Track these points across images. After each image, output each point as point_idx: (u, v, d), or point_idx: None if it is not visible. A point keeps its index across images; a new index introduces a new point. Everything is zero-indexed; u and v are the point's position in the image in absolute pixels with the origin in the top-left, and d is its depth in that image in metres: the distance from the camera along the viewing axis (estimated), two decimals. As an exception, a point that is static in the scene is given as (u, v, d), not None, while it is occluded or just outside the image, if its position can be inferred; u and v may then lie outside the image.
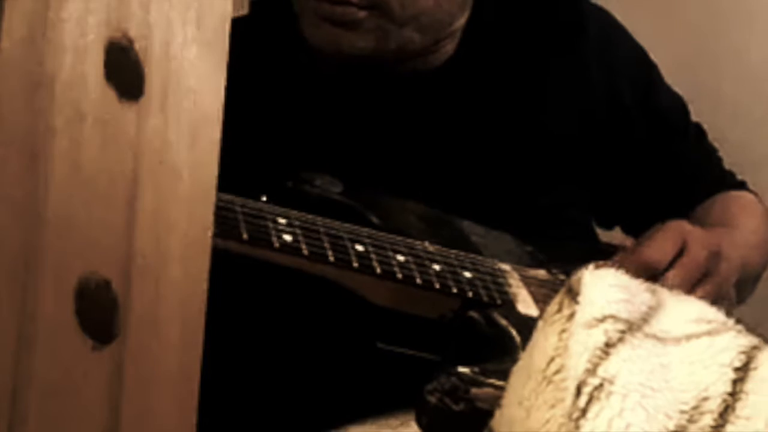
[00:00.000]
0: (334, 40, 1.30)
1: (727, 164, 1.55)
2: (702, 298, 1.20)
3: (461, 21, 1.38)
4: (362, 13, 1.28)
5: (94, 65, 0.66)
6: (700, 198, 1.47)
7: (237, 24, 1.42)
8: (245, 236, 1.12)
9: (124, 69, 0.67)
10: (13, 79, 0.62)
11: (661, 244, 1.27)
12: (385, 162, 1.34)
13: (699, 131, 1.53)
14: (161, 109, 0.69)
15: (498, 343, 1.17)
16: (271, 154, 1.32)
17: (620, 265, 0.87)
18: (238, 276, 1.24)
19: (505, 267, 1.29)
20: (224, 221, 1.11)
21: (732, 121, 1.97)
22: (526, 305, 1.25)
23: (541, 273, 1.32)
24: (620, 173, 1.47)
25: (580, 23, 1.43)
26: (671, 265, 1.26)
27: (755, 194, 1.52)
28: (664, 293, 0.87)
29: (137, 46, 0.68)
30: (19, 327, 0.62)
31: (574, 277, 0.85)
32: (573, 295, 0.83)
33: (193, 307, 0.72)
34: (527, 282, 1.29)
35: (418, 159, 1.36)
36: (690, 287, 1.25)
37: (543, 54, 1.41)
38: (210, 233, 0.72)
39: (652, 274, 1.22)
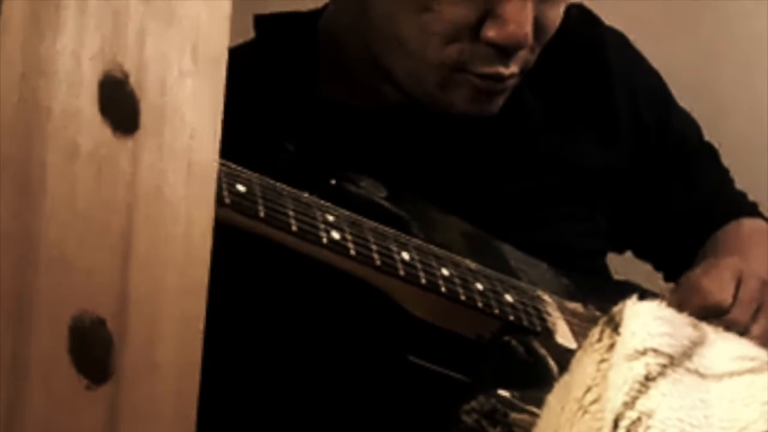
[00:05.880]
0: (486, 107, 1.29)
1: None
2: (760, 334, 1.20)
3: None
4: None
5: (88, 99, 0.65)
6: (715, 220, 1.47)
7: (243, 49, 1.40)
8: (294, 228, 1.10)
9: (119, 103, 0.67)
10: (6, 113, 0.62)
11: (725, 285, 1.27)
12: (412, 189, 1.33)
13: (712, 152, 1.53)
14: (157, 143, 0.68)
15: (534, 372, 1.16)
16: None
17: (681, 304, 0.86)
18: (271, 274, 1.23)
19: (545, 296, 1.28)
20: (274, 210, 1.10)
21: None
22: (564, 337, 1.24)
23: (578, 307, 1.31)
24: (637, 195, 1.46)
25: (602, 51, 1.43)
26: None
27: (766, 219, 1.52)
28: (706, 329, 0.86)
29: (132, 79, 0.67)
30: (13, 365, 0.62)
31: (615, 308, 0.84)
32: (614, 325, 0.82)
33: (190, 346, 0.71)
34: (566, 313, 1.28)
35: (442, 188, 1.34)
36: (749, 322, 1.25)
37: (567, 83, 1.41)
38: (207, 269, 0.71)
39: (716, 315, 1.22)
